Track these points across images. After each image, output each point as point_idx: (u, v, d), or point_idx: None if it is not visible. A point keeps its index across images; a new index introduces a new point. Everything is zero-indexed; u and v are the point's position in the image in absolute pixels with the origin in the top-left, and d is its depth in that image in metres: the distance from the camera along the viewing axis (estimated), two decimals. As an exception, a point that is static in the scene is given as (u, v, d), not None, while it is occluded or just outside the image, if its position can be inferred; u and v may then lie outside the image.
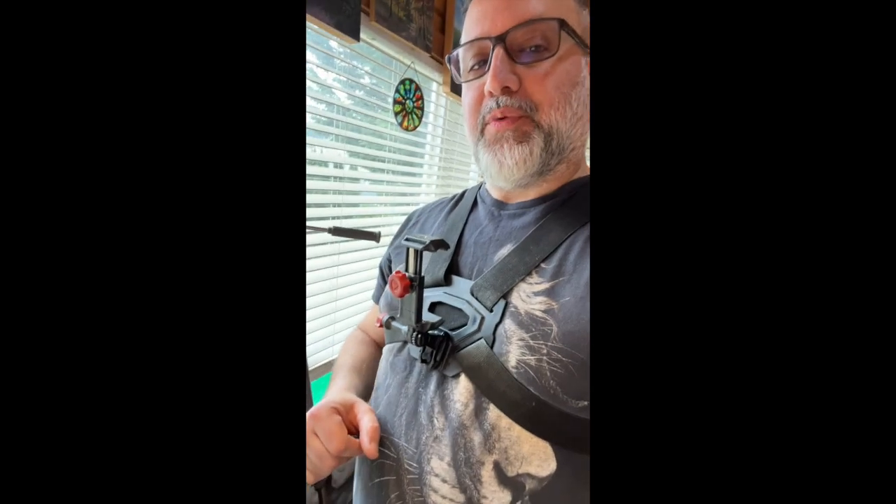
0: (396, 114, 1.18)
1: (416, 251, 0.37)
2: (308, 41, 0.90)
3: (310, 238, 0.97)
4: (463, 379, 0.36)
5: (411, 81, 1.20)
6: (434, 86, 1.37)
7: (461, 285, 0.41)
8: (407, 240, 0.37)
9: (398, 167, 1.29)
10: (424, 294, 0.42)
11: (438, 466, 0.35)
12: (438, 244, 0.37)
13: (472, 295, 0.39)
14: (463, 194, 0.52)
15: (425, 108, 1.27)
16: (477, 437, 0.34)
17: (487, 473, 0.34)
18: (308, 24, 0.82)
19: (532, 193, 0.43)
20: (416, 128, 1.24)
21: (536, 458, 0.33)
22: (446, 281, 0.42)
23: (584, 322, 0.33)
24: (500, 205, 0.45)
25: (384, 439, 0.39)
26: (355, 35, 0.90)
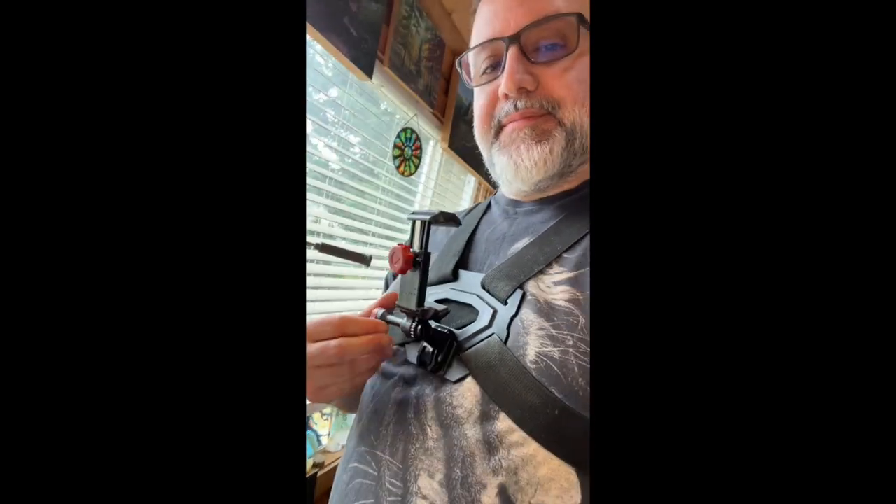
0: (395, 158, 1.20)
1: (423, 223, 0.31)
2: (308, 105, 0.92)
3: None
4: (469, 381, 0.29)
5: (412, 131, 1.24)
6: (432, 142, 1.42)
7: (470, 279, 0.35)
8: (413, 213, 0.33)
9: (386, 220, 1.27)
10: (429, 292, 0.36)
11: (427, 486, 0.27)
12: (449, 217, 0.32)
13: (484, 288, 0.33)
14: (475, 206, 0.49)
15: (422, 160, 1.30)
16: (479, 452, 0.27)
17: (489, 500, 0.26)
18: (328, 52, 0.85)
19: (550, 192, 0.39)
20: (412, 174, 1.25)
21: (556, 486, 0.25)
22: (454, 276, 0.36)
23: None
24: (516, 203, 0.41)
25: (364, 454, 0.31)
26: (369, 73, 0.94)
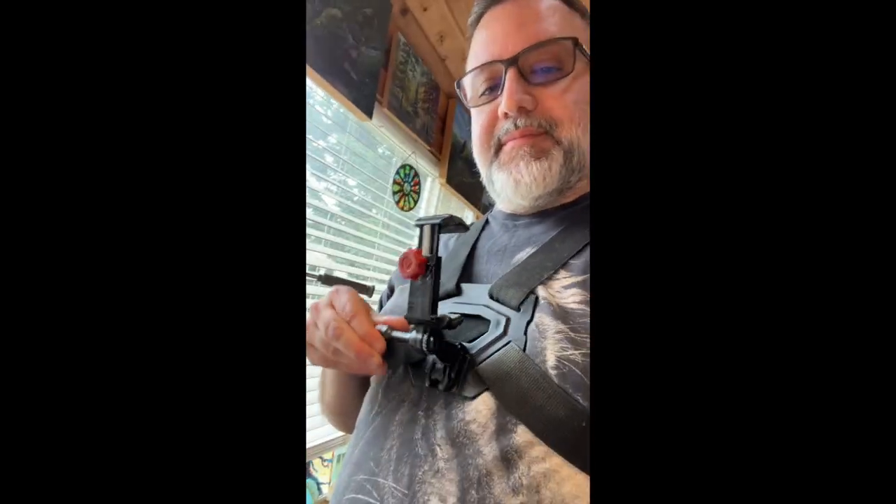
0: (395, 193, 1.22)
1: (431, 227, 0.31)
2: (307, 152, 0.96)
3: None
4: (484, 395, 0.28)
5: (411, 167, 1.27)
6: (430, 178, 1.45)
7: (476, 291, 0.35)
8: (420, 219, 0.32)
9: (387, 255, 1.28)
10: None
11: None
12: (458, 222, 0.31)
13: (493, 298, 0.33)
14: (472, 224, 0.49)
15: (420, 196, 1.33)
16: (497, 470, 0.25)
17: None
18: (330, 95, 0.89)
19: (549, 206, 0.39)
20: (411, 208, 1.27)
21: None
22: (458, 290, 0.36)
23: None
24: (515, 217, 0.41)
25: (363, 483, 0.29)
26: (369, 113, 0.97)
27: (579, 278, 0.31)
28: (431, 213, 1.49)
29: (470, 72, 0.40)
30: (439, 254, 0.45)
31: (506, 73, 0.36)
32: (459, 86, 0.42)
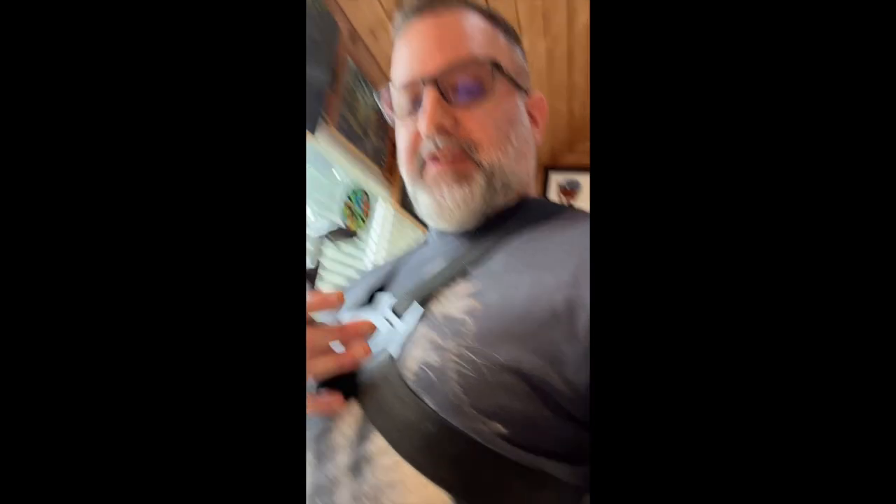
0: (344, 216, 1.20)
1: (318, 238, 0.33)
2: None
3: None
4: (352, 405, 0.28)
5: (362, 191, 1.26)
6: (382, 201, 1.44)
7: (384, 301, 0.35)
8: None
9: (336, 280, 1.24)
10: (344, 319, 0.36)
11: None
12: (344, 232, 0.33)
13: (392, 311, 0.33)
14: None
15: (371, 219, 1.31)
16: (345, 478, 0.25)
17: None
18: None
19: (472, 224, 0.39)
20: (359, 229, 1.25)
21: None
22: (369, 300, 0.36)
23: (507, 321, 0.27)
24: (442, 234, 0.42)
25: None
26: (311, 130, 0.96)
27: (474, 288, 0.31)
28: (385, 236, 1.47)
29: (393, 86, 0.39)
30: (381, 271, 0.45)
31: (425, 92, 0.35)
32: (381, 98, 0.41)
